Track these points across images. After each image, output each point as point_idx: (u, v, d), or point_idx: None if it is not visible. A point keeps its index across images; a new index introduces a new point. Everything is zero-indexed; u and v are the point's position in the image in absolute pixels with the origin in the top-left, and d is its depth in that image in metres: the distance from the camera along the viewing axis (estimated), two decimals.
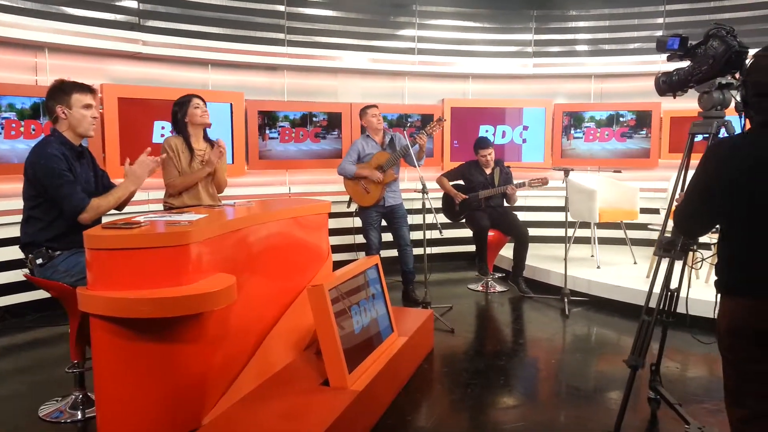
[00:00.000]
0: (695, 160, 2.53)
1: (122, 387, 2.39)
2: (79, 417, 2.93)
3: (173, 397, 2.42)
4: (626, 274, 5.25)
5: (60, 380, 3.27)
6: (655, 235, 5.64)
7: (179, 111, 3.71)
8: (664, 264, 2.71)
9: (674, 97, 2.68)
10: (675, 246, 2.57)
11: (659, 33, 6.81)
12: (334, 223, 5.94)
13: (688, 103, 6.57)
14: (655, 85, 2.73)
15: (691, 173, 2.57)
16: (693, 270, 2.72)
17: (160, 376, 2.40)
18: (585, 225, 6.18)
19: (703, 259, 2.74)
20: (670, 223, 2.44)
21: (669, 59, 2.62)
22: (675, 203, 2.33)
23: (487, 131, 6.89)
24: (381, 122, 4.99)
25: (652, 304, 2.69)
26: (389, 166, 4.89)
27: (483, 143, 5.49)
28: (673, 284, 2.74)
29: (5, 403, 3.14)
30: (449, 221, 5.56)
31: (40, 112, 4.80)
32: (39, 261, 2.88)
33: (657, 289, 2.75)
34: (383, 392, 3.01)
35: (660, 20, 6.84)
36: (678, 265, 2.70)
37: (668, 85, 2.67)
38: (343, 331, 2.82)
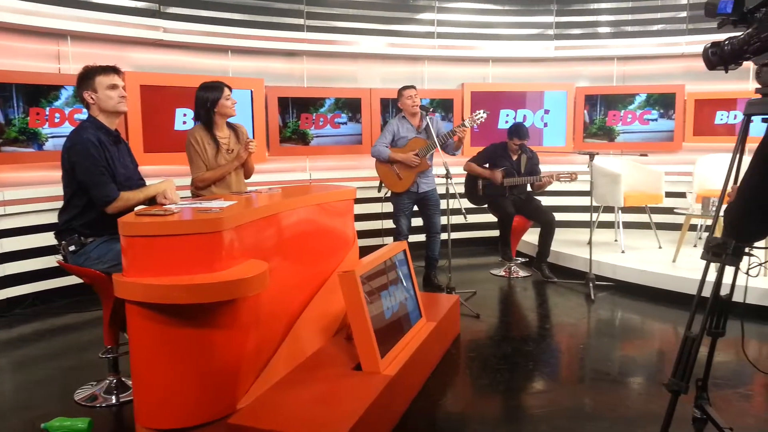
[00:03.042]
0: (753, 144, 2.36)
1: (159, 372, 2.41)
2: (114, 401, 2.97)
3: (208, 382, 2.44)
4: (651, 258, 5.20)
5: (92, 365, 3.32)
6: (681, 219, 5.60)
7: (209, 99, 3.60)
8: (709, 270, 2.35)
9: (726, 71, 2.34)
10: (726, 249, 2.19)
11: (683, 14, 6.70)
12: (359, 209, 5.96)
13: (713, 86, 6.55)
14: (703, 57, 2.36)
15: (747, 161, 2.38)
16: (747, 276, 2.30)
17: (195, 361, 2.42)
18: (608, 209, 6.14)
19: (760, 264, 2.44)
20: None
21: (720, 26, 2.25)
22: (727, 197, 2.12)
23: (507, 115, 6.83)
24: (416, 104, 4.79)
25: (691, 311, 2.33)
26: (424, 154, 4.74)
27: (521, 133, 5.25)
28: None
29: (41, 387, 3.20)
30: (471, 206, 5.52)
31: (64, 101, 4.84)
32: (72, 248, 2.91)
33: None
34: (414, 377, 3.02)
35: (684, 1, 6.71)
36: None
37: (719, 57, 2.29)
38: (374, 316, 2.82)
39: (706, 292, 2.28)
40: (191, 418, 2.43)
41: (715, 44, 2.29)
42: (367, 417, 2.34)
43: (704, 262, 2.31)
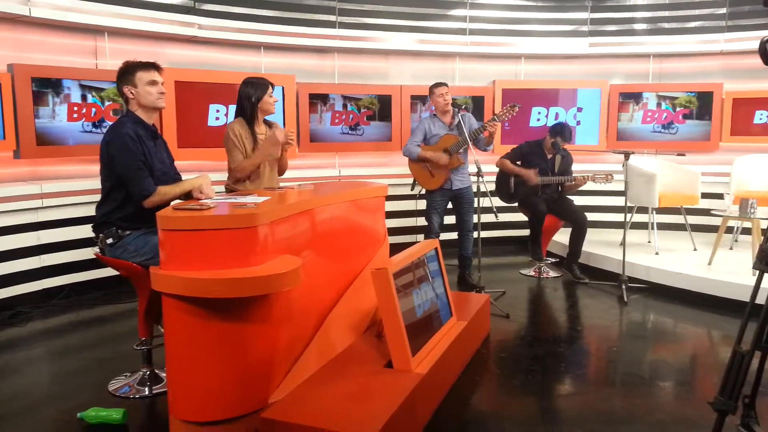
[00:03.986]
0: None
1: (193, 365, 2.44)
2: (147, 393, 3.01)
3: (241, 376, 2.46)
4: (686, 260, 5.08)
5: (126, 356, 3.37)
6: (716, 221, 5.47)
7: (254, 94, 3.61)
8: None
9: None
10: None
11: (722, 10, 6.53)
12: (390, 206, 5.94)
13: (752, 84, 6.39)
14: (759, 51, 2.17)
15: None
16: None
17: (229, 355, 2.44)
18: (642, 210, 6.02)
19: None
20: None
21: None
22: None
23: (539, 113, 6.75)
24: (448, 102, 4.76)
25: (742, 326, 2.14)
26: (456, 150, 4.71)
27: (565, 135, 5.10)
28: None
29: (76, 377, 3.27)
30: (502, 204, 5.46)
31: (101, 95, 4.92)
32: (109, 240, 2.95)
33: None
34: (445, 376, 3.00)
35: None
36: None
37: None
38: (405, 315, 2.80)
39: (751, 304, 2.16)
40: (224, 411, 2.46)
41: None
42: (399, 415, 2.33)
43: (743, 265, 2.19)
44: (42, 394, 3.08)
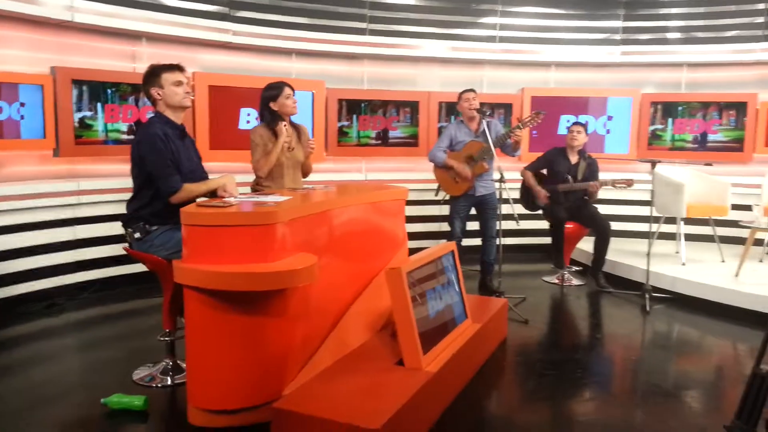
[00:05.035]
0: None
1: (211, 355, 2.54)
2: (169, 382, 3.13)
3: (257, 367, 2.56)
4: (713, 272, 5.00)
5: (152, 347, 3.49)
6: (746, 233, 5.36)
7: (270, 98, 3.78)
8: None
9: None
10: None
11: (760, 19, 6.42)
12: (417, 210, 6.01)
13: None
14: None
15: None
16: None
17: (246, 347, 2.54)
18: (670, 220, 5.94)
19: None
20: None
21: None
22: None
23: (568, 121, 6.71)
24: (473, 108, 4.77)
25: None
26: (481, 157, 4.74)
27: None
28: None
29: (104, 366, 3.41)
30: (526, 211, 5.46)
31: (137, 98, 5.12)
32: (137, 235, 3.08)
33: None
34: (456, 376, 3.04)
35: (761, 6, 6.43)
36: None
37: None
38: (419, 314, 2.86)
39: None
40: (239, 401, 2.56)
41: None
42: (406, 410, 2.38)
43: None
44: (71, 381, 3.23)
